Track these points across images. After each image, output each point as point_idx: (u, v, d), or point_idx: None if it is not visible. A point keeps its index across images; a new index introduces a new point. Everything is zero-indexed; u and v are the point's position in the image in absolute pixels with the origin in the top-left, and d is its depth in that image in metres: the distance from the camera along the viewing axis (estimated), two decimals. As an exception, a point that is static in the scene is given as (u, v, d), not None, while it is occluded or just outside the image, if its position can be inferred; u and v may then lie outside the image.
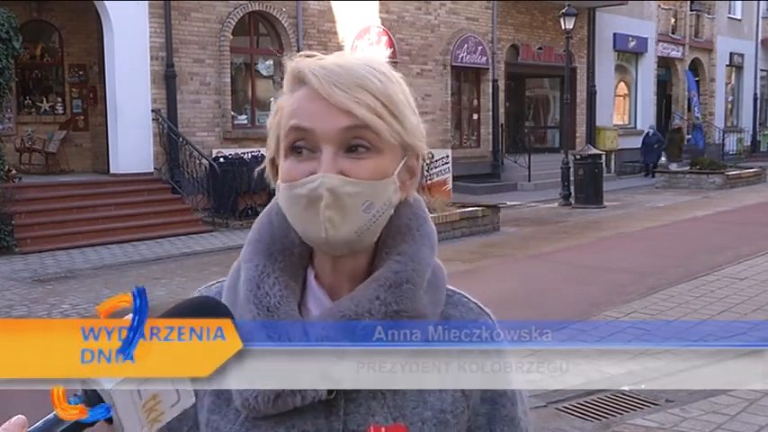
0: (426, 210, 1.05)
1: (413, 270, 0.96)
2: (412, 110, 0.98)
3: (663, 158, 24.56)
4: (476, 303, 1.05)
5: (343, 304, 0.95)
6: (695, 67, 30.19)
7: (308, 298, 1.00)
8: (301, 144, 0.94)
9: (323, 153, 0.92)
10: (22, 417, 0.77)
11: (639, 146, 24.57)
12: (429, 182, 14.70)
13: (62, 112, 16.09)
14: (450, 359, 0.93)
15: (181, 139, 14.36)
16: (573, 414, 4.83)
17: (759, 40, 33.46)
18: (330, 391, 0.92)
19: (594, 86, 23.97)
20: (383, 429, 0.94)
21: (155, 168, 14.24)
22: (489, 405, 1.02)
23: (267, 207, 1.05)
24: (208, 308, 0.88)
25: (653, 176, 22.98)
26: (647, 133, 24.33)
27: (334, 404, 0.94)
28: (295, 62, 1.00)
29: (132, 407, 0.78)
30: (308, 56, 1.01)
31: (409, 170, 0.99)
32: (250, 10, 15.71)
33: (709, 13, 30.31)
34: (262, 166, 1.02)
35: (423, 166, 1.04)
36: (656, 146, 24.06)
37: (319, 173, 0.91)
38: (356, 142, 0.93)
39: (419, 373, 0.93)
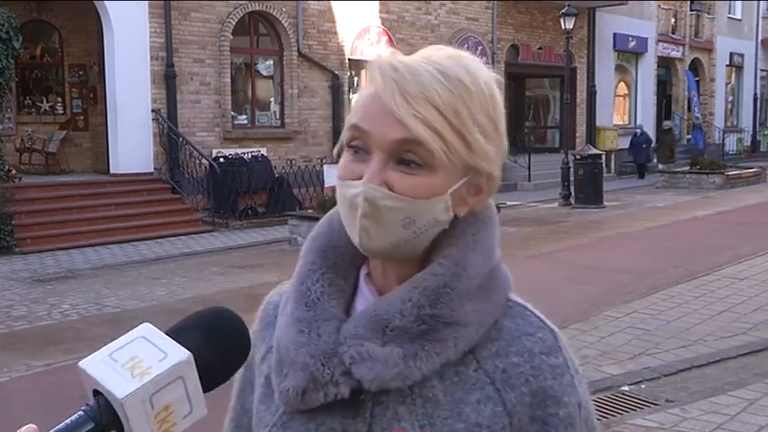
0: (493, 215, 0.99)
1: (454, 275, 0.92)
2: (488, 127, 0.91)
3: (654, 160, 24.29)
4: (538, 317, 0.98)
5: (376, 304, 0.94)
6: (695, 67, 30.18)
7: (357, 297, 0.99)
8: (357, 143, 0.91)
9: (372, 159, 0.89)
10: (33, 426, 0.76)
11: (627, 146, 24.30)
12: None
13: (62, 112, 16.10)
14: (493, 370, 0.92)
15: (181, 139, 14.37)
16: (573, 414, 4.82)
17: (759, 40, 33.46)
18: (355, 391, 0.91)
19: (594, 86, 23.97)
20: None
21: (155, 168, 14.24)
22: (539, 426, 0.93)
23: (334, 208, 1.02)
24: (222, 319, 0.87)
25: (643, 177, 22.99)
26: (635, 133, 23.94)
27: (361, 405, 0.92)
28: (375, 57, 0.92)
29: (144, 417, 0.77)
30: (393, 51, 0.92)
31: (473, 188, 0.94)
32: (250, 10, 15.71)
33: (709, 13, 30.31)
34: (336, 148, 0.97)
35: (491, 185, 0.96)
36: (644, 146, 23.67)
37: (364, 179, 0.89)
38: (408, 156, 0.88)
39: (453, 382, 0.92)
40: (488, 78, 0.93)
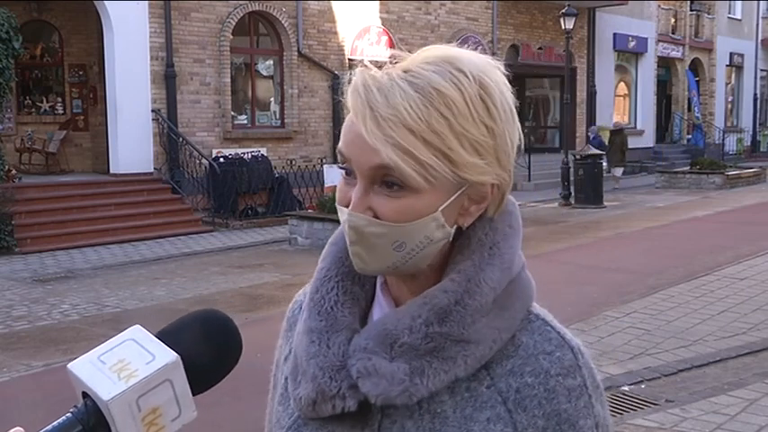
0: (515, 223, 0.95)
1: (466, 291, 0.88)
2: (481, 135, 0.85)
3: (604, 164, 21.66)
4: (559, 333, 0.93)
5: (387, 318, 0.92)
6: (695, 67, 30.19)
7: (374, 305, 0.98)
8: (346, 167, 0.89)
9: (357, 185, 0.87)
10: (20, 429, 0.77)
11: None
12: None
13: (62, 112, 16.10)
14: (506, 389, 0.90)
15: (181, 139, 14.37)
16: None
17: (759, 40, 33.47)
18: (364, 403, 0.89)
19: (594, 86, 23.98)
20: None
21: (155, 168, 14.24)
22: None
23: None
24: (212, 321, 0.87)
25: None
26: (588, 136, 21.32)
27: (370, 417, 0.91)
28: (352, 75, 0.87)
29: (131, 419, 0.77)
30: (375, 63, 0.87)
31: (474, 196, 0.89)
32: (250, 10, 15.71)
33: (709, 13, 30.31)
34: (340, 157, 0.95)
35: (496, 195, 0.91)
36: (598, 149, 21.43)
37: (350, 207, 0.88)
38: (389, 180, 0.85)
39: (464, 398, 0.90)
40: (482, 77, 0.87)
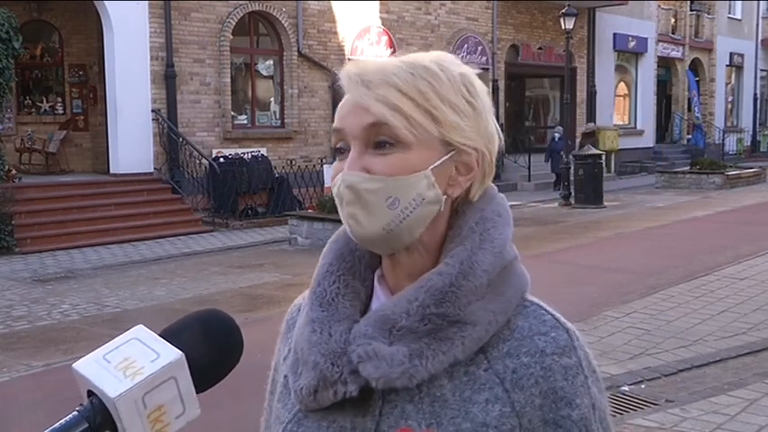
0: (504, 212, 1.00)
1: (460, 273, 0.92)
2: (464, 106, 0.93)
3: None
4: (552, 316, 0.97)
5: (385, 304, 0.95)
6: (695, 67, 30.20)
7: (373, 298, 1.01)
8: (341, 145, 0.95)
9: (350, 153, 0.93)
10: None
11: (545, 152, 20.25)
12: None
13: (62, 112, 16.10)
14: (503, 370, 0.92)
15: (181, 139, 14.37)
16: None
17: (759, 40, 33.47)
18: (365, 390, 0.92)
19: (594, 86, 23.98)
20: None
21: (155, 168, 14.24)
22: (552, 429, 0.92)
23: None
24: (215, 320, 0.89)
25: (560, 188, 18.13)
26: (553, 137, 19.98)
27: (371, 403, 0.93)
28: (344, 68, 0.96)
29: (137, 416, 0.78)
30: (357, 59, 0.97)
31: (461, 166, 0.95)
32: (250, 10, 15.72)
33: (709, 13, 30.32)
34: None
35: (489, 165, 0.98)
36: (562, 152, 18.83)
37: (344, 169, 0.93)
38: (381, 139, 0.91)
39: (462, 381, 0.92)
40: (464, 70, 0.96)
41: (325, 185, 14.73)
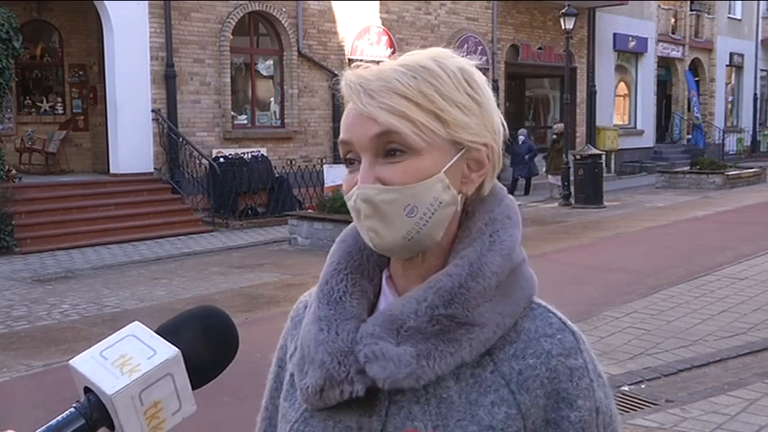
0: (513, 215, 0.99)
1: (469, 275, 0.92)
2: (468, 103, 0.93)
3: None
4: (559, 319, 0.97)
5: (393, 304, 0.95)
6: (695, 67, 30.19)
7: (380, 298, 1.01)
8: (350, 156, 0.94)
9: (361, 165, 0.92)
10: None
11: (510, 156, 18.25)
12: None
13: (62, 112, 16.10)
14: (509, 372, 0.92)
15: (181, 139, 14.37)
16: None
17: (759, 40, 33.47)
18: (372, 390, 0.91)
19: (594, 86, 23.97)
20: None
21: (155, 168, 14.24)
22: (552, 429, 0.92)
23: None
24: (211, 317, 0.89)
25: (526, 193, 18.38)
26: (518, 140, 18.40)
27: (378, 403, 0.93)
28: (342, 76, 0.95)
29: (134, 413, 0.78)
30: (359, 66, 0.95)
31: (472, 164, 0.95)
32: (250, 10, 15.71)
33: (709, 13, 30.31)
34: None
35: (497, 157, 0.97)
36: (526, 156, 18.30)
37: (358, 183, 0.92)
38: (391, 147, 0.91)
39: (468, 384, 0.92)
40: (463, 64, 0.95)
41: (326, 186, 14.73)
